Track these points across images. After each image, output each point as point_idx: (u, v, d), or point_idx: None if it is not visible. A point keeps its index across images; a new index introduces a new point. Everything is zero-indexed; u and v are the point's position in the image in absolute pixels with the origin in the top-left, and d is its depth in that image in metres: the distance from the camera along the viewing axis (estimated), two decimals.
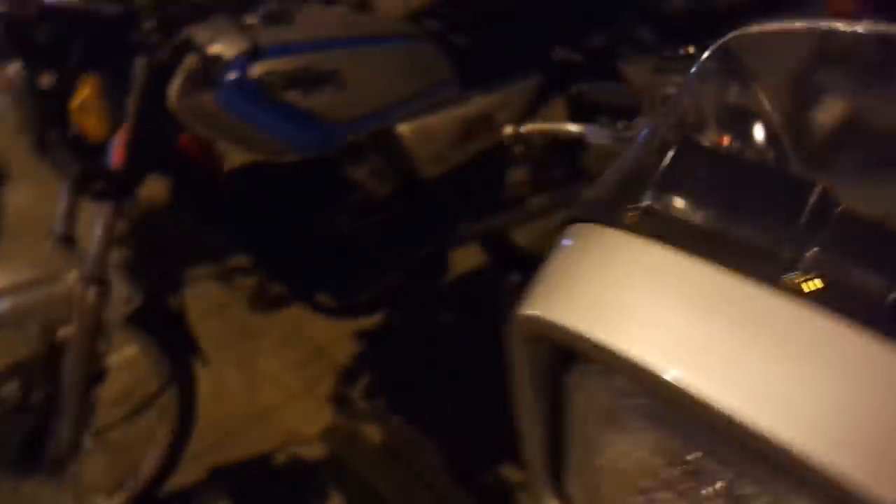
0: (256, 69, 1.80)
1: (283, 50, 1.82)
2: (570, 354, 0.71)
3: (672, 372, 0.59)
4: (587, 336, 0.65)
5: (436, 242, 2.35)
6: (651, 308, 0.63)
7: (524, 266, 2.89)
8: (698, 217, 0.65)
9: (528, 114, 2.44)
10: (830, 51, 0.81)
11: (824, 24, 0.78)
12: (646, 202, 0.67)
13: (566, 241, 0.73)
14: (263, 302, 2.53)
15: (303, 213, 2.11)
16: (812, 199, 0.63)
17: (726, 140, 0.82)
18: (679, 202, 0.67)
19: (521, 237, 2.90)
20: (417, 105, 2.14)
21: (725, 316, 0.60)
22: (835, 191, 0.64)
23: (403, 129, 2.12)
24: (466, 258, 2.81)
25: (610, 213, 0.68)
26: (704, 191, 0.70)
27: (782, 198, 0.65)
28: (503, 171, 2.49)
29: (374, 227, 2.21)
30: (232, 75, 1.77)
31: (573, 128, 1.12)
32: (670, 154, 0.73)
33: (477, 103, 2.25)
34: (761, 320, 0.58)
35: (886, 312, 0.56)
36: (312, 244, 2.17)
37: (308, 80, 1.90)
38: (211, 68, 1.73)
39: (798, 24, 0.80)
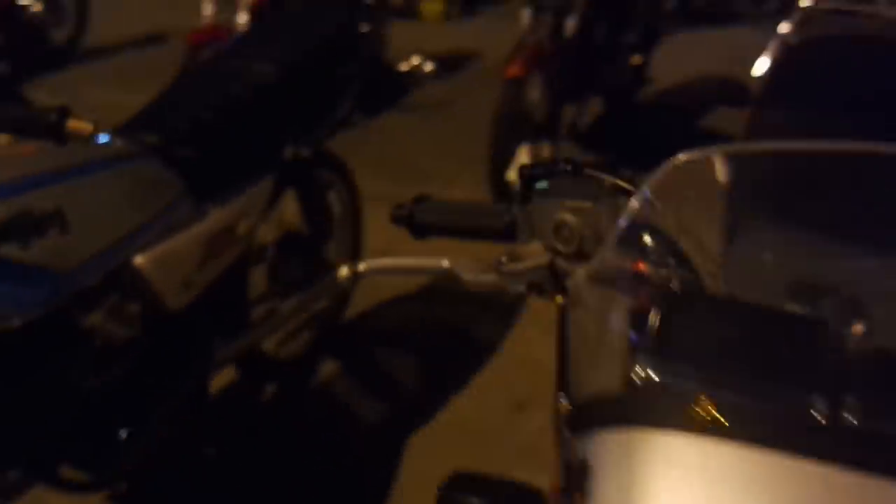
0: None
1: None
2: None
3: None
4: None
5: (192, 379, 2.09)
6: None
7: (276, 374, 2.70)
8: (748, 400, 0.58)
9: (266, 217, 2.29)
10: (770, 171, 0.77)
11: (758, 147, 0.75)
12: (690, 386, 0.59)
13: (620, 457, 0.60)
14: None
15: (31, 378, 1.75)
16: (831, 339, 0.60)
17: (675, 274, 0.75)
18: (726, 382, 0.59)
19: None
20: (152, 231, 1.89)
21: None
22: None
23: (141, 261, 1.86)
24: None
25: (656, 412, 0.58)
26: (742, 362, 0.62)
27: (808, 345, 0.60)
28: (247, 284, 2.30)
29: (120, 378, 1.91)
30: None
31: (439, 263, 0.98)
32: (678, 319, 0.66)
33: (215, 217, 2.05)
34: None
35: None
36: (48, 413, 1.82)
37: (23, 228, 1.58)
38: None
39: (734, 148, 0.75)
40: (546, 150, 3.75)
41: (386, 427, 2.54)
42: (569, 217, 0.84)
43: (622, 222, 0.74)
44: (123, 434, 1.91)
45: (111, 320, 1.84)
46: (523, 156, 3.63)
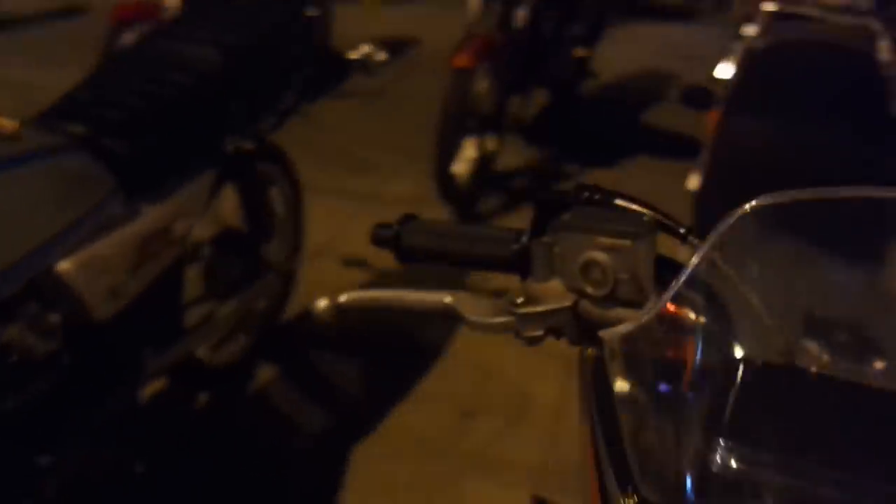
0: None
1: None
2: None
3: None
4: None
5: (120, 394, 1.90)
6: None
7: (211, 381, 2.52)
8: None
9: (204, 214, 2.10)
10: (861, 218, 0.65)
11: (848, 192, 0.62)
12: (789, 484, 0.48)
13: None
14: None
15: None
16: None
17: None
18: (841, 484, 0.49)
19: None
20: (79, 233, 1.70)
21: None
22: None
23: (66, 266, 1.67)
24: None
25: None
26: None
27: None
28: (182, 288, 2.11)
29: (41, 395, 1.71)
30: None
31: (440, 299, 0.82)
32: (760, 394, 0.54)
33: (149, 216, 1.86)
34: None
35: None
36: None
37: None
38: None
39: (817, 193, 0.63)
40: (492, 143, 3.64)
41: (327, 435, 2.42)
42: (601, 256, 0.71)
43: (683, 275, 0.61)
44: (44, 458, 1.72)
45: (31, 333, 1.65)
46: (469, 148, 3.52)
